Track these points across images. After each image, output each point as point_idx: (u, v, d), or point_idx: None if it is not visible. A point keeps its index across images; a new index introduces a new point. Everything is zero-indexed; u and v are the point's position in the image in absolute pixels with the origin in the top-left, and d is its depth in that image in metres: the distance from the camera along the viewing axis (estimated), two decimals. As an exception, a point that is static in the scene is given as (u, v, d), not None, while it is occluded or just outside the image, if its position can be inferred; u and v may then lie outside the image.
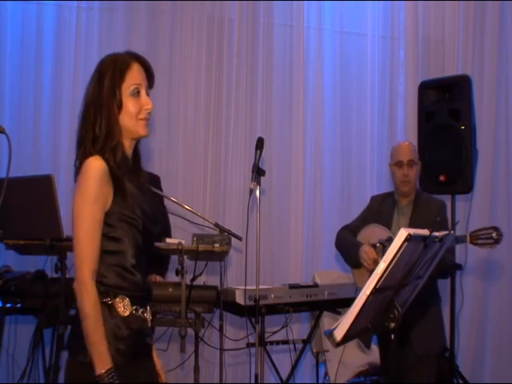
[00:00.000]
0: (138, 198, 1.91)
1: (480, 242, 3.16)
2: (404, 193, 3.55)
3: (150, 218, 1.94)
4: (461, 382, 4.12)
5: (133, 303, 1.88)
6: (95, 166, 1.82)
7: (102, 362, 1.77)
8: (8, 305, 3.47)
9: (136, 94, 1.91)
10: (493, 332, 5.07)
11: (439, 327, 3.54)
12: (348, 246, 3.57)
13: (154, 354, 2.08)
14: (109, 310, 1.84)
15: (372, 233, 3.50)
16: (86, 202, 1.81)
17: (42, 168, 4.37)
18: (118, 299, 1.86)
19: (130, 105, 1.90)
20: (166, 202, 3.75)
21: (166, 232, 3.69)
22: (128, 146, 1.95)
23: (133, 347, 1.88)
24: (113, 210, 1.85)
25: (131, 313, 1.87)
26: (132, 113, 1.90)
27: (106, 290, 1.85)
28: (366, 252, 3.39)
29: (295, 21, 4.96)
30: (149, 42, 4.70)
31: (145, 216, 1.91)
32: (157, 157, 4.66)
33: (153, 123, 4.68)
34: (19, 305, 3.46)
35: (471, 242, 3.18)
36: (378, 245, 3.40)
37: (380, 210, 3.58)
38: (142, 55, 1.98)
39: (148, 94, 1.95)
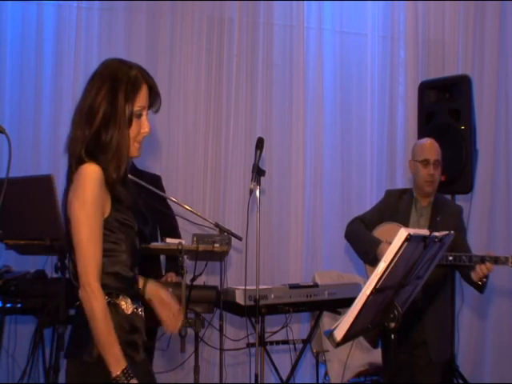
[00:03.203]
0: (130, 203, 1.94)
1: None
2: (426, 193, 3.44)
3: (143, 219, 2.00)
4: (461, 381, 4.12)
5: (133, 302, 1.94)
6: (93, 172, 1.82)
7: (118, 363, 1.79)
8: (8, 305, 3.47)
9: (139, 115, 1.92)
10: (493, 332, 5.07)
11: (450, 336, 3.52)
12: (364, 241, 3.46)
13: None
14: (114, 308, 1.88)
15: (391, 231, 3.35)
16: (87, 208, 1.81)
17: (42, 168, 4.37)
18: (120, 298, 1.91)
19: (133, 124, 1.91)
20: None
21: (172, 232, 3.68)
22: None
23: (137, 344, 1.93)
24: (111, 214, 1.87)
25: (133, 311, 1.93)
26: (132, 134, 1.91)
27: (108, 292, 1.87)
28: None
29: (295, 21, 4.96)
30: (149, 41, 4.71)
31: (138, 218, 1.97)
32: (157, 157, 4.66)
33: (153, 123, 4.66)
34: (19, 305, 3.46)
35: None
36: None
37: (397, 207, 3.48)
38: (151, 77, 1.96)
39: (147, 116, 1.95)
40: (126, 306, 1.91)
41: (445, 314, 3.44)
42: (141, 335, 1.96)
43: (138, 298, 2.00)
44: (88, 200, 1.81)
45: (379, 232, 3.47)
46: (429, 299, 3.30)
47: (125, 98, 1.88)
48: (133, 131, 1.91)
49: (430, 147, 3.48)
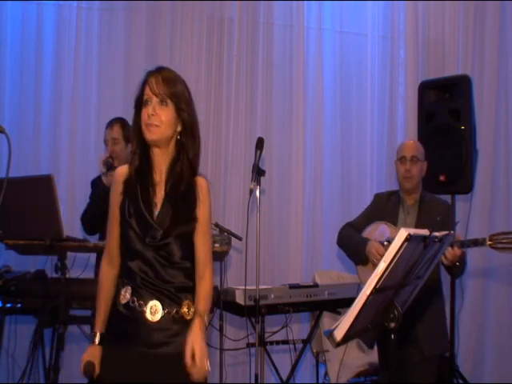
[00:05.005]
0: (136, 198, 2.10)
1: (500, 246, 3.04)
2: (407, 189, 3.49)
3: (142, 219, 2.08)
4: (461, 381, 4.12)
5: (133, 294, 2.06)
6: (115, 172, 2.20)
7: (95, 325, 2.13)
8: (8, 305, 3.47)
9: (146, 102, 2.12)
10: (493, 332, 5.07)
11: (445, 329, 3.53)
12: (354, 243, 3.50)
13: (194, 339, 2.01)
14: (117, 294, 2.10)
15: (379, 230, 3.44)
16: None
17: (42, 168, 4.37)
18: (124, 288, 2.08)
19: (142, 113, 2.12)
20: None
21: None
22: (156, 152, 2.15)
23: (121, 332, 2.06)
24: (120, 205, 2.11)
25: (127, 302, 2.06)
26: (142, 120, 2.11)
27: (122, 278, 2.10)
28: (375, 247, 3.32)
29: (295, 21, 4.96)
30: (149, 41, 4.71)
31: (138, 216, 2.08)
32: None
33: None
34: (19, 305, 3.46)
35: (490, 246, 3.09)
36: (385, 243, 3.35)
37: (385, 208, 3.52)
38: (162, 69, 2.18)
39: (164, 104, 2.14)
40: (123, 295, 2.07)
41: (436, 309, 3.43)
42: (129, 325, 2.04)
43: (144, 293, 2.04)
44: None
45: (368, 232, 3.51)
46: (417, 298, 3.31)
47: (137, 95, 2.16)
48: (143, 118, 2.11)
49: (408, 145, 3.57)
